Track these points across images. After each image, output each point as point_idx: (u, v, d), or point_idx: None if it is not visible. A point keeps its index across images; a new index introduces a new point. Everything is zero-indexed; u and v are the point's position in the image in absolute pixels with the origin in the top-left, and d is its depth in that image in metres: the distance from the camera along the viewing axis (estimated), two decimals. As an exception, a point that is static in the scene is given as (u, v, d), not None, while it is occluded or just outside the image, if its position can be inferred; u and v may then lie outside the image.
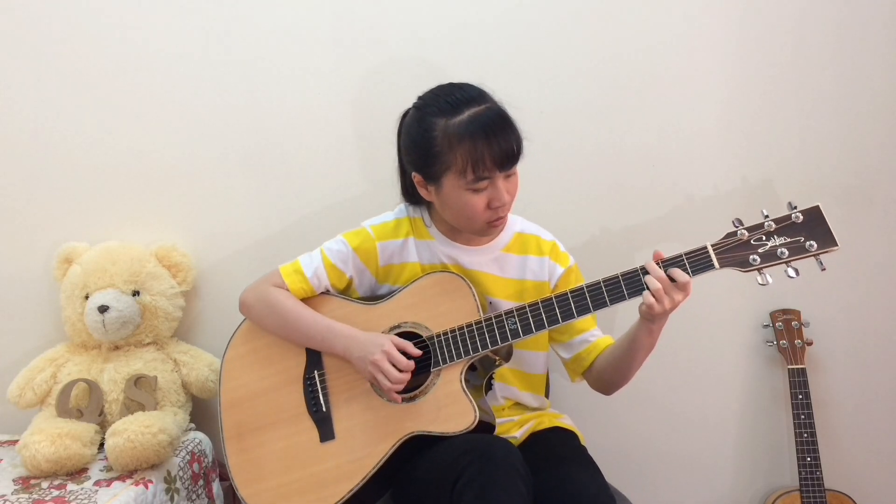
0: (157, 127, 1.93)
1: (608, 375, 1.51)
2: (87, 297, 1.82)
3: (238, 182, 1.94)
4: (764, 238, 1.30)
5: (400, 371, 1.37)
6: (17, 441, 1.69)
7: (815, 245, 1.27)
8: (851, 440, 1.92)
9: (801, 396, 1.80)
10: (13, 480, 1.61)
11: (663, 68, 1.85)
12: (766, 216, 1.31)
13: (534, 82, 1.86)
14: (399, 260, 1.52)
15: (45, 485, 1.58)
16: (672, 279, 1.30)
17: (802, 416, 1.79)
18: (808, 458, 1.78)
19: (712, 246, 1.31)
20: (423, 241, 1.52)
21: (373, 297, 1.53)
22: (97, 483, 1.58)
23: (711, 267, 1.30)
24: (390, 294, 1.49)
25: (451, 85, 1.42)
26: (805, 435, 1.79)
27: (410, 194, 1.52)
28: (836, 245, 1.26)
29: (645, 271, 1.32)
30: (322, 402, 1.47)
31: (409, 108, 1.46)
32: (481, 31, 1.86)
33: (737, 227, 1.31)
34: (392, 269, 1.52)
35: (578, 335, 1.52)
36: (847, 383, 1.91)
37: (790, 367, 1.83)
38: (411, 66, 1.88)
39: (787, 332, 1.84)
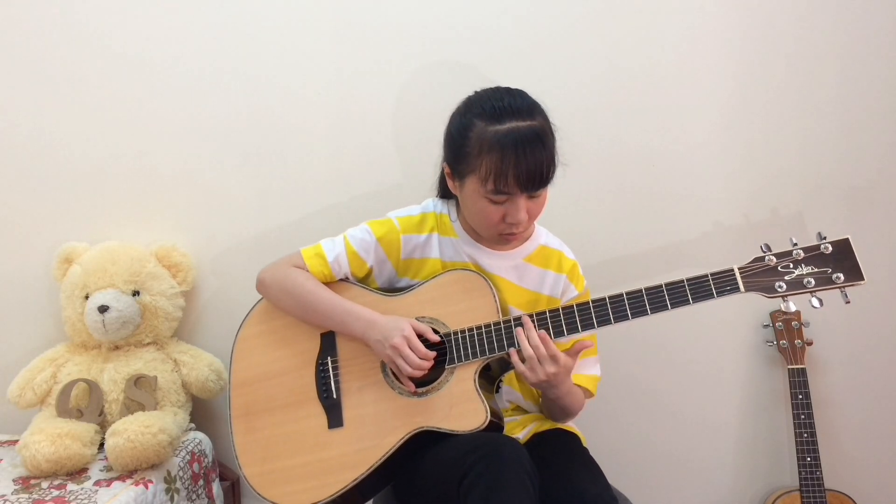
0: (158, 127, 1.93)
1: (544, 412, 1.58)
2: (87, 297, 1.81)
3: (238, 182, 1.94)
4: (791, 266, 1.30)
5: (419, 358, 1.37)
6: (17, 441, 1.69)
7: (842, 278, 1.27)
8: (851, 440, 1.92)
9: (801, 396, 1.80)
10: (13, 480, 1.60)
11: (665, 71, 1.86)
12: (795, 244, 1.30)
13: (535, 82, 1.86)
14: (421, 255, 1.52)
15: (45, 485, 1.57)
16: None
17: (802, 416, 1.79)
18: (808, 458, 1.79)
19: (739, 269, 1.31)
20: (446, 238, 1.51)
21: (392, 290, 1.52)
22: (97, 483, 1.57)
23: (737, 290, 1.30)
24: (409, 287, 1.49)
25: (506, 90, 1.40)
26: (805, 435, 1.79)
27: (443, 184, 1.52)
28: (863, 279, 1.26)
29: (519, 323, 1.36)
30: (333, 388, 1.47)
31: (465, 99, 1.44)
32: (483, 31, 1.86)
33: (765, 252, 1.31)
34: (413, 262, 1.52)
35: None
36: (847, 383, 1.91)
37: (790, 367, 1.83)
38: (411, 68, 1.88)
39: (787, 332, 1.84)
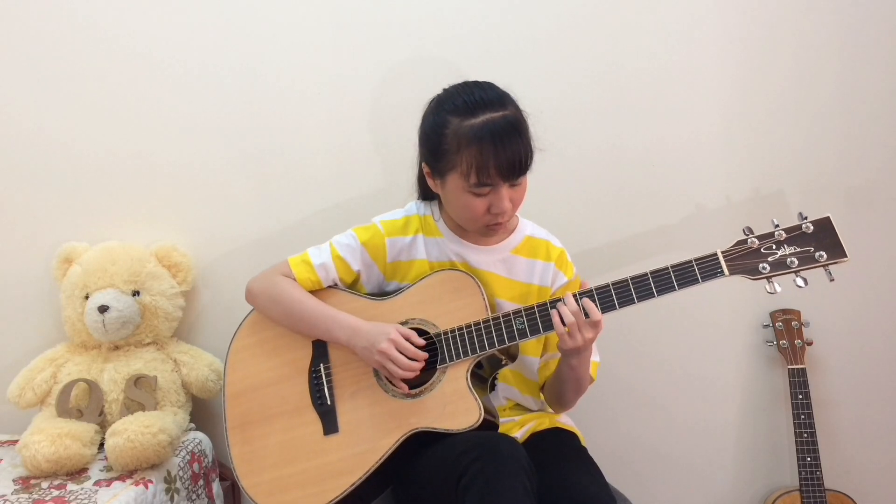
0: (158, 127, 1.93)
1: (547, 397, 1.57)
2: (87, 297, 1.82)
3: (238, 182, 1.94)
4: (774, 247, 1.30)
5: (409, 359, 1.38)
6: (17, 441, 1.69)
7: (825, 256, 1.28)
8: (851, 440, 1.92)
9: (801, 396, 1.81)
10: (13, 480, 1.61)
11: (665, 71, 1.85)
12: (777, 225, 1.31)
13: (535, 82, 1.86)
14: (407, 257, 1.52)
15: (45, 485, 1.57)
16: (585, 314, 1.33)
17: (802, 416, 1.79)
18: (808, 458, 1.79)
19: (722, 253, 1.31)
20: (432, 239, 1.52)
21: (381, 294, 1.53)
22: (97, 483, 1.58)
23: (721, 274, 1.31)
24: (398, 290, 1.49)
25: (475, 84, 1.41)
26: (805, 435, 1.79)
27: (423, 185, 1.52)
28: (846, 256, 1.27)
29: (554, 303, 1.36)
30: (327, 395, 1.47)
31: (434, 97, 1.45)
32: (481, 31, 1.86)
33: (747, 235, 1.32)
34: (400, 265, 1.52)
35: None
36: (847, 383, 1.91)
37: (790, 367, 1.83)
38: (410, 68, 1.88)
39: (787, 332, 1.84)
